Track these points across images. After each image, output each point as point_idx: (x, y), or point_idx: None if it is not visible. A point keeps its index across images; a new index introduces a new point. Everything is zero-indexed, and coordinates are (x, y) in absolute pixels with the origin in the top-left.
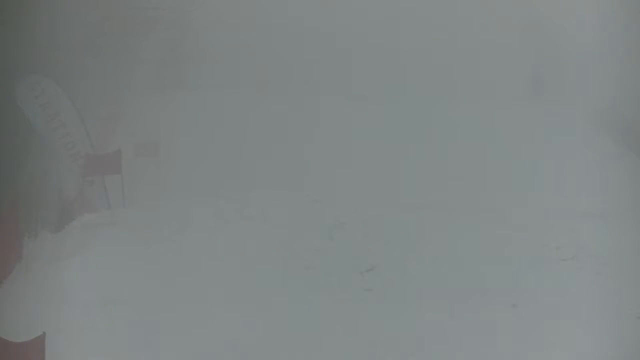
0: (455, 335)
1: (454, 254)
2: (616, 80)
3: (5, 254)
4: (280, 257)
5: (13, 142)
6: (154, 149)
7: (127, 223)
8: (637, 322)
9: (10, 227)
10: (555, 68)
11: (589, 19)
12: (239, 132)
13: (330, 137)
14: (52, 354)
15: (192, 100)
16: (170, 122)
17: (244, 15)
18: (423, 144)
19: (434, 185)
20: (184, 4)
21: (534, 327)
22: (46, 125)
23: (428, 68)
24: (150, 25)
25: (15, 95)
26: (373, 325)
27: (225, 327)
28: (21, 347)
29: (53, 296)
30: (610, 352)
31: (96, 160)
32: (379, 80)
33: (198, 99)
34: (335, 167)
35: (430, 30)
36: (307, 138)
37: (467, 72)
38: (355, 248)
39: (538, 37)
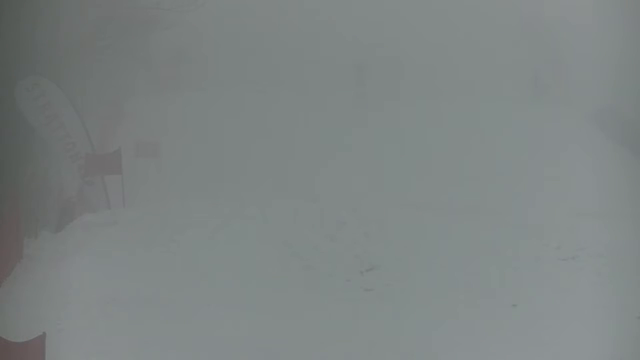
0: (455, 335)
1: (454, 254)
2: (615, 80)
3: (5, 254)
4: (280, 257)
5: (13, 143)
6: (154, 149)
7: (127, 223)
8: (637, 322)
9: (10, 227)
10: (556, 69)
11: (589, 19)
12: (239, 132)
13: (331, 137)
14: (52, 354)
15: (192, 100)
16: (171, 122)
17: (244, 15)
18: (423, 144)
19: (434, 185)
20: (184, 4)
21: (534, 327)
22: (46, 127)
23: (428, 69)
24: (150, 25)
25: (14, 97)
26: (373, 325)
27: (225, 327)
28: (21, 347)
29: (53, 296)
30: (610, 352)
31: (96, 160)
32: (380, 82)
33: (198, 99)
34: (336, 167)
35: (430, 32)
36: (308, 138)
37: (467, 74)
38: (355, 248)
39: (538, 38)
